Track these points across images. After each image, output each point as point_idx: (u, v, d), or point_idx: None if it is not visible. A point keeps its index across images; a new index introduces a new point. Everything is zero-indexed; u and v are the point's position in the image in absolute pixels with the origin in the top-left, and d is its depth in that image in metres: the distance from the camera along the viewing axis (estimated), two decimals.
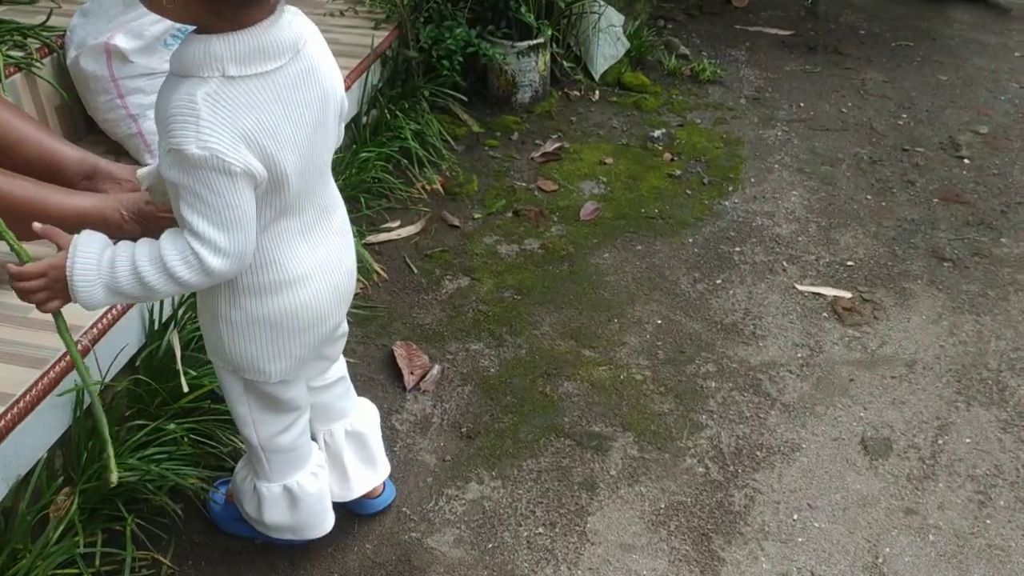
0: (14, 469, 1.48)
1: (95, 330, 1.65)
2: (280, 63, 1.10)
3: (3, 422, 1.45)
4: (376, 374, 2.02)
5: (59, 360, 1.58)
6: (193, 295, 1.83)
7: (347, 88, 2.62)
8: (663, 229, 2.53)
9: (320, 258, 1.28)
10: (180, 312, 1.82)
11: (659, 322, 2.19)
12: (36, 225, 1.15)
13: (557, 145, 2.91)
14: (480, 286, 2.30)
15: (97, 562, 1.51)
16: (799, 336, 2.15)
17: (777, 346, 2.12)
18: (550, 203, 2.64)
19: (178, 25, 2.10)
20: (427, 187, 2.66)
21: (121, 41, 2.03)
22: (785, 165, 2.85)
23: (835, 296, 2.27)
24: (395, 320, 2.18)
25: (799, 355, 2.09)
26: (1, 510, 1.48)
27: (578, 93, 3.23)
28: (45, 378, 1.54)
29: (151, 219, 1.76)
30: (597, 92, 3.25)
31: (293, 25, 1.12)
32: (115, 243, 1.15)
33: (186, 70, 1.05)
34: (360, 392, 1.86)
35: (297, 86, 1.13)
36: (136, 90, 2.09)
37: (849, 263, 2.40)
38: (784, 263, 2.40)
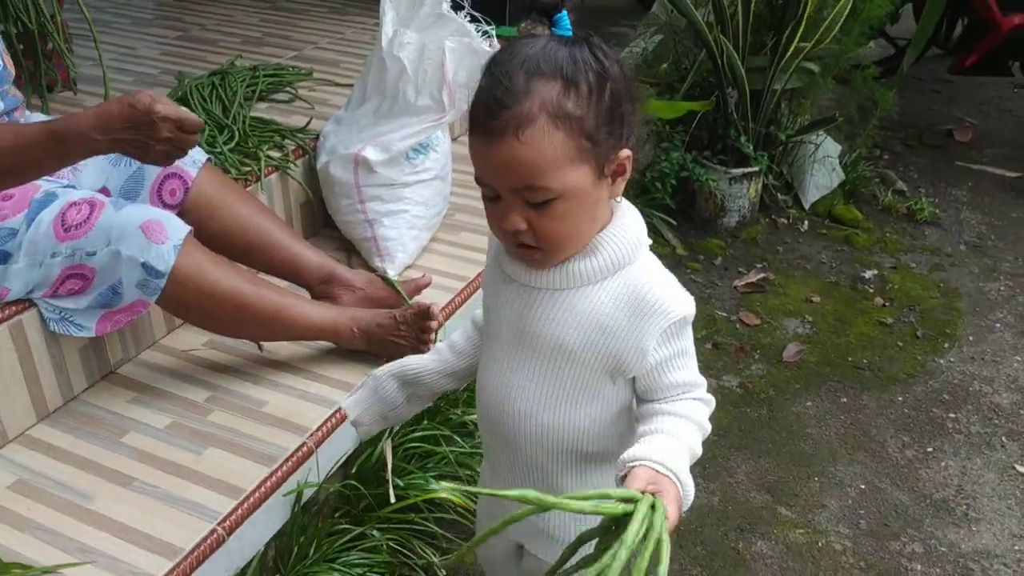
0: (235, 561, 1.58)
1: (319, 433, 1.75)
2: None
3: (235, 516, 1.56)
4: None
5: (288, 459, 1.68)
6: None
7: None
8: (871, 382, 2.44)
9: None
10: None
11: (863, 487, 2.09)
12: None
13: (762, 276, 2.88)
14: None
15: None
16: (1017, 525, 2.00)
17: (992, 533, 1.98)
18: (752, 338, 2.60)
19: (421, 140, 2.25)
20: None
21: (371, 153, 2.18)
22: (1008, 325, 2.69)
23: None
24: None
25: (1017, 548, 1.95)
26: None
27: (786, 221, 3.19)
28: (274, 476, 1.65)
29: (376, 339, 1.87)
30: (806, 222, 3.19)
31: None
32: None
33: (629, 258, 1.04)
34: None
35: None
36: (375, 197, 2.23)
37: None
38: (1003, 438, 2.25)
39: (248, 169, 2.20)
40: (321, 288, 2.00)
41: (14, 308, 1.67)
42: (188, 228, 1.75)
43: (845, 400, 2.37)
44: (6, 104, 1.73)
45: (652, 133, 2.97)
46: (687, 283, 2.81)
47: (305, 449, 1.71)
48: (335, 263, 2.03)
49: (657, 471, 0.93)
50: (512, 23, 3.35)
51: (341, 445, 1.80)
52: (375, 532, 1.77)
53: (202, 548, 1.50)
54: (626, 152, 1.00)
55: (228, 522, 1.55)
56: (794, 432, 2.26)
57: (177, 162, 1.87)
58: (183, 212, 1.87)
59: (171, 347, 1.98)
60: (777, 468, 2.15)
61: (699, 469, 2.13)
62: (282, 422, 1.78)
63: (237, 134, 2.30)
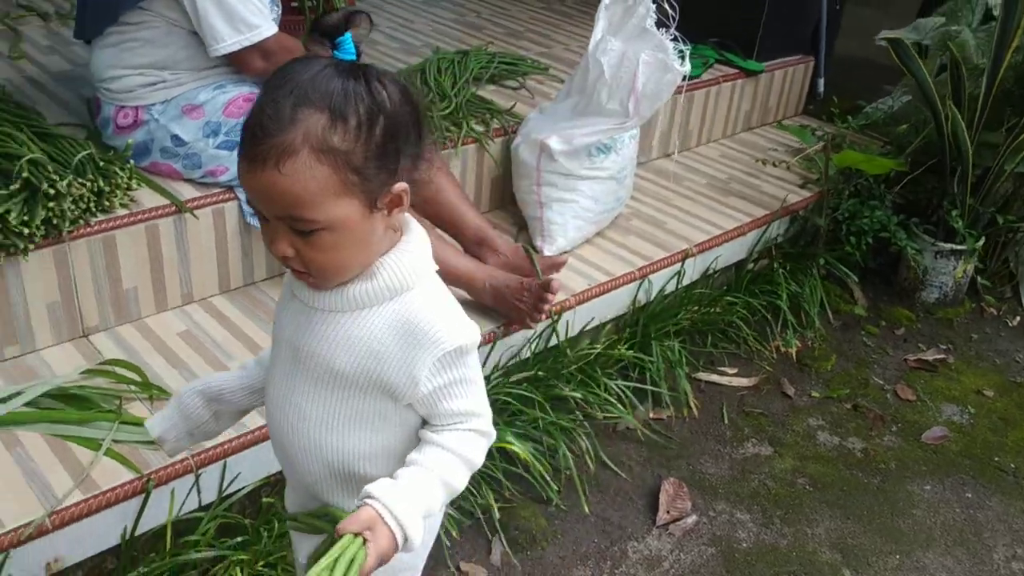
0: None
1: None
2: None
3: None
4: (638, 497, 2.13)
5: None
6: None
7: (743, 234, 2.75)
8: (1008, 488, 2.28)
9: None
10: None
11: None
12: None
13: (940, 356, 2.74)
14: (778, 462, 2.29)
15: None
16: None
17: None
18: (897, 411, 2.51)
19: (604, 140, 2.43)
20: (781, 349, 2.69)
21: (554, 142, 2.40)
22: None
23: None
24: (681, 457, 2.27)
25: None
26: None
27: (995, 312, 3.00)
28: None
29: (502, 297, 2.09)
30: (1018, 318, 2.98)
31: None
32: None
33: (407, 284, 1.01)
34: (614, 507, 2.02)
35: None
36: (551, 183, 2.44)
37: None
38: None
39: (450, 135, 2.50)
40: (473, 248, 2.25)
41: (221, 196, 2.08)
42: None
43: (970, 496, 2.24)
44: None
45: (861, 187, 2.92)
46: (856, 343, 2.77)
47: None
48: (489, 228, 2.27)
49: (381, 517, 0.93)
50: (763, 58, 3.39)
51: None
52: None
53: None
54: (402, 185, 0.97)
55: None
56: (898, 508, 2.18)
57: None
58: None
59: None
60: (861, 534, 2.10)
61: (781, 512, 2.14)
62: None
63: (454, 105, 2.61)
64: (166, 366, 1.92)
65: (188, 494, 1.69)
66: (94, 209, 1.92)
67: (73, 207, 1.86)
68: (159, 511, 1.66)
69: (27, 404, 1.75)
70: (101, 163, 1.97)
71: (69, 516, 1.55)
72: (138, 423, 1.73)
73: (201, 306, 2.12)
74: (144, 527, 1.65)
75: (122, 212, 1.96)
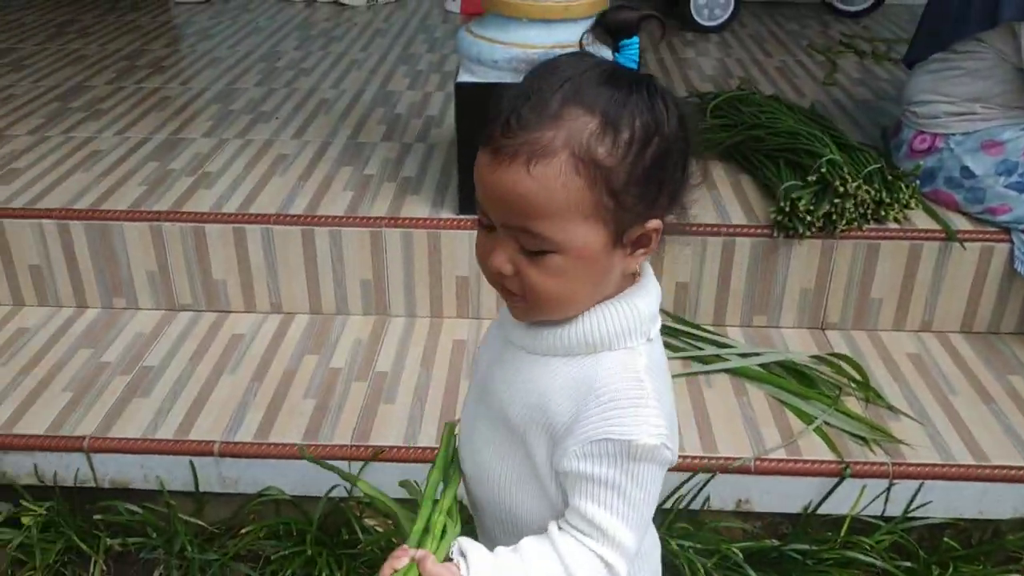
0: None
1: None
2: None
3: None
4: None
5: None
6: None
7: None
8: None
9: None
10: None
11: None
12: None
13: None
14: None
15: None
16: None
17: None
18: None
19: None
20: None
21: None
22: None
23: None
24: None
25: None
26: None
27: None
28: None
29: None
30: None
31: None
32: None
33: (610, 344, 0.85)
34: None
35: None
36: None
37: None
38: None
39: None
40: None
41: (994, 235, 2.02)
42: None
43: None
44: None
45: None
46: None
47: None
48: None
49: None
50: None
51: None
52: None
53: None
54: (655, 223, 0.82)
55: None
56: None
57: None
58: None
59: None
60: None
61: None
62: None
63: None
64: (888, 378, 1.95)
65: (875, 498, 1.71)
66: (869, 216, 2.04)
67: (853, 209, 2.00)
68: (841, 501, 1.72)
69: (761, 365, 1.97)
70: (889, 178, 2.08)
71: (770, 467, 1.71)
72: (850, 415, 1.82)
73: (937, 337, 2.09)
74: (824, 509, 1.72)
75: (893, 226, 2.04)
